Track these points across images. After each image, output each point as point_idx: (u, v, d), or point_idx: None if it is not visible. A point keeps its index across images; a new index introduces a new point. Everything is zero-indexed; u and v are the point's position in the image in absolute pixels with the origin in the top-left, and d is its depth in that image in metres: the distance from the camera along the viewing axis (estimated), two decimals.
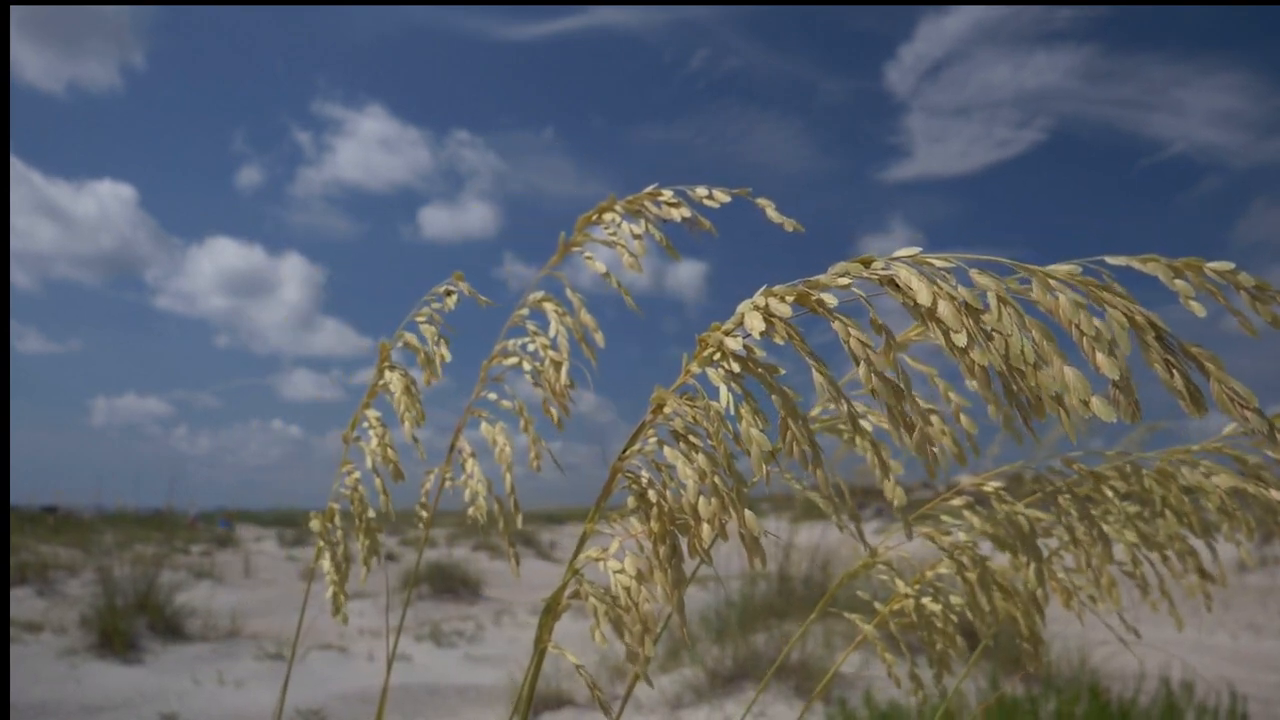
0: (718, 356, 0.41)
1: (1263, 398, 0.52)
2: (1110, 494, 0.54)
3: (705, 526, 0.39)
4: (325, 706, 3.32)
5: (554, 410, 0.62)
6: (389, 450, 0.64)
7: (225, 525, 11.94)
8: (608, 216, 0.61)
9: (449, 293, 0.68)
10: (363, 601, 6.16)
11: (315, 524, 0.65)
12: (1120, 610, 0.61)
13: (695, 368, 0.42)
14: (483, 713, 3.31)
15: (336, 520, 0.66)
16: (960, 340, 0.35)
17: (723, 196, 0.56)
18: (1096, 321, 0.34)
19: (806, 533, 4.54)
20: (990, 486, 0.55)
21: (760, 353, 0.41)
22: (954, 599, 0.58)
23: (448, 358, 0.66)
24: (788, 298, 0.39)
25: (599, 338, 0.61)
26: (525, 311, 0.64)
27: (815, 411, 0.61)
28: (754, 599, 4.03)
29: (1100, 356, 0.33)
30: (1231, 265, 0.36)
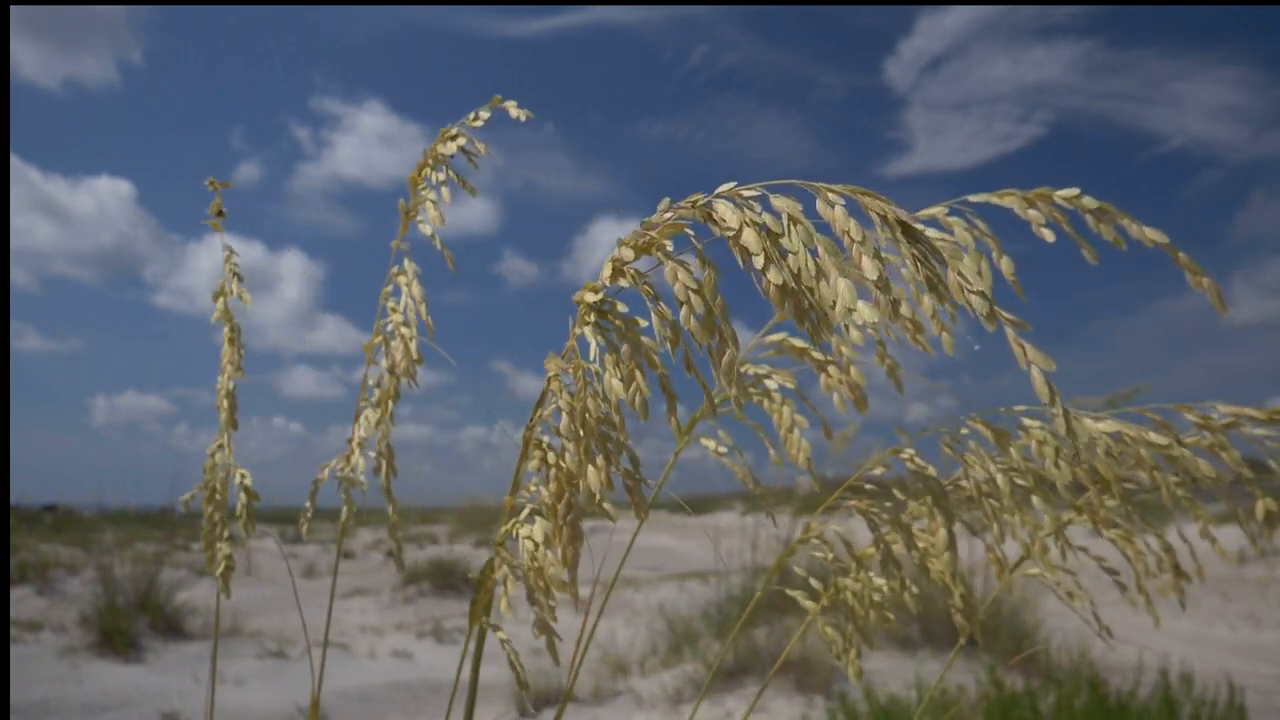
0: (582, 311, 0.43)
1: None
2: (1015, 453, 0.54)
3: (592, 483, 0.40)
4: (326, 704, 3.32)
5: (390, 402, 0.62)
6: (224, 401, 0.65)
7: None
8: (424, 173, 0.62)
9: (218, 213, 0.68)
10: (364, 599, 6.17)
11: (186, 497, 0.65)
12: (1050, 578, 0.62)
13: (578, 329, 0.44)
14: (484, 710, 3.31)
15: (218, 495, 0.65)
16: (759, 263, 0.37)
17: (485, 114, 0.60)
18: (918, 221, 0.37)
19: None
20: (906, 454, 0.56)
21: (623, 307, 0.43)
22: (880, 581, 0.58)
23: (238, 293, 0.68)
24: (632, 244, 0.41)
25: (423, 309, 0.61)
26: (390, 288, 0.64)
27: None
28: (755, 594, 4.03)
29: (865, 260, 0.35)
30: (1077, 191, 0.39)
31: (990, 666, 2.90)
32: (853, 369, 0.47)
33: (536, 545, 0.44)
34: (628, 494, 0.41)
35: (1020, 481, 0.52)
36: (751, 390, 0.54)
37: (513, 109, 0.58)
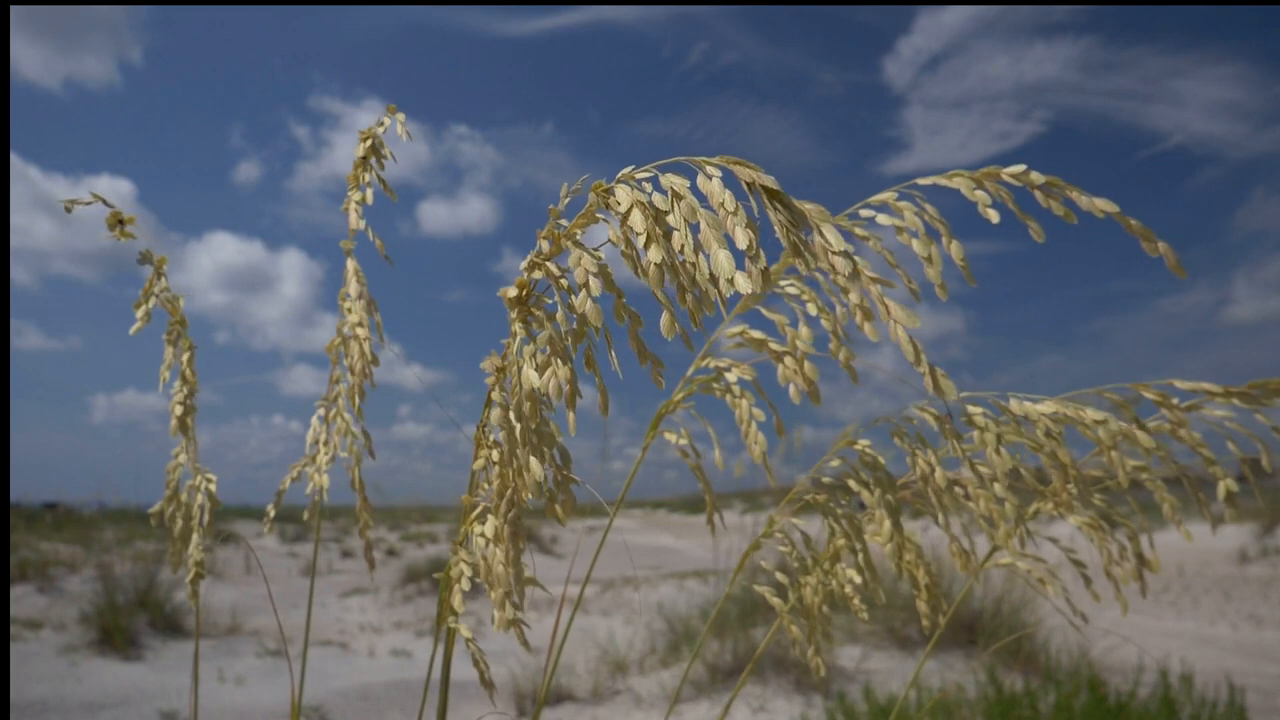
0: (509, 307, 0.43)
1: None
2: (954, 443, 0.54)
3: (530, 476, 0.40)
4: (326, 703, 3.32)
5: (356, 397, 0.62)
6: (174, 406, 0.65)
7: None
8: (358, 173, 0.63)
9: (118, 221, 0.68)
10: (364, 597, 6.17)
11: (155, 509, 0.65)
12: (1021, 566, 0.61)
13: (512, 326, 0.44)
14: (484, 708, 3.31)
15: (182, 499, 0.65)
16: (642, 242, 0.37)
17: (387, 120, 0.64)
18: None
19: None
20: (860, 444, 0.57)
21: (548, 300, 0.43)
22: (850, 574, 0.58)
23: (176, 298, 0.69)
24: (547, 235, 0.42)
25: (360, 304, 0.61)
26: (346, 290, 0.64)
27: (690, 372, 0.61)
28: (755, 593, 4.03)
29: (738, 230, 0.35)
30: (1024, 167, 0.38)
31: (989, 666, 2.89)
32: (806, 364, 0.47)
33: (487, 541, 0.44)
34: (556, 489, 0.40)
35: (983, 469, 0.51)
36: (715, 387, 0.54)
37: (400, 126, 0.61)
